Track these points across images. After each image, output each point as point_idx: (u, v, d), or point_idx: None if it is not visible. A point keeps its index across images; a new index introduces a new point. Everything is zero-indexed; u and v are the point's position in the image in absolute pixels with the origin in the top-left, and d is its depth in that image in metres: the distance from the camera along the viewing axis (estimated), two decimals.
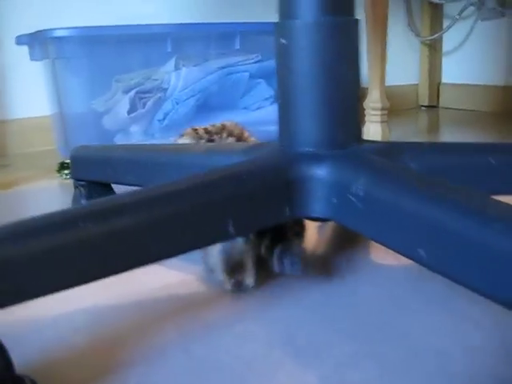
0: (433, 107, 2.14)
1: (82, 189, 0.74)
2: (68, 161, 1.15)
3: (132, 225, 0.41)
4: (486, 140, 1.43)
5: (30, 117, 1.53)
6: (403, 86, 2.18)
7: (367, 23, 1.27)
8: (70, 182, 1.13)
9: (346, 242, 0.70)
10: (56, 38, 1.16)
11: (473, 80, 2.03)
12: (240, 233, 0.47)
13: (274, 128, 1.24)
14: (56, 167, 1.14)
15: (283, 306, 0.53)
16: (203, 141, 0.89)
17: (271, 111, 1.39)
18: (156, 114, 1.27)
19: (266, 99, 1.39)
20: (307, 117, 0.53)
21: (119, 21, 1.53)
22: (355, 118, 0.55)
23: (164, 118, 1.26)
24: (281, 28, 0.53)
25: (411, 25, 2.13)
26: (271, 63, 1.34)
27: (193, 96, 1.28)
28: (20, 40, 1.32)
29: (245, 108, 1.39)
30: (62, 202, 0.99)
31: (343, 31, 0.53)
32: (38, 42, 1.24)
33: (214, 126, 0.94)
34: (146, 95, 1.25)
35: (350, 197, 0.48)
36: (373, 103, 1.30)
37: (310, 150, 0.53)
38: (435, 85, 2.13)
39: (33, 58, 1.33)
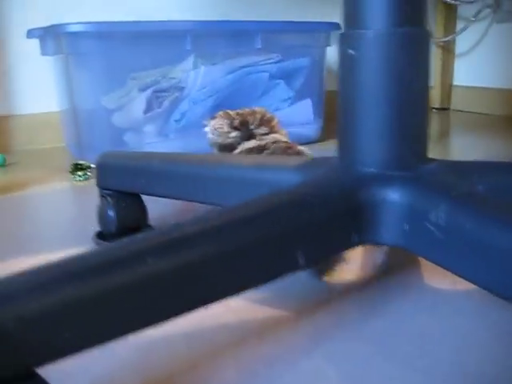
0: (444, 109, 2.10)
1: (109, 198, 0.69)
2: (82, 162, 1.10)
3: (200, 259, 0.36)
4: (499, 145, 1.40)
5: (37, 112, 1.47)
6: None
7: None
8: (84, 184, 1.09)
9: (395, 265, 0.66)
10: (71, 32, 1.11)
11: (486, 83, 2.00)
12: (309, 263, 0.43)
13: (292, 130, 1.20)
14: (69, 168, 1.09)
15: (345, 338, 0.49)
16: (236, 121, 0.85)
17: (290, 113, 1.35)
18: (172, 113, 1.22)
19: (285, 100, 1.35)
20: (374, 134, 0.49)
21: (133, 16, 1.47)
22: (424, 135, 0.51)
23: (181, 119, 1.22)
24: (348, 38, 0.49)
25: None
26: (291, 63, 1.30)
27: (211, 96, 1.23)
28: (32, 33, 1.26)
29: None
30: (78, 206, 0.94)
31: (416, 43, 0.48)
32: (52, 36, 1.19)
33: (243, 110, 0.90)
34: (163, 94, 1.20)
35: (428, 225, 0.44)
36: None
37: (376, 170, 0.49)
38: (447, 87, 2.09)
39: (44, 52, 1.27)
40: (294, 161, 0.56)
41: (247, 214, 0.41)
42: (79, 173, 1.08)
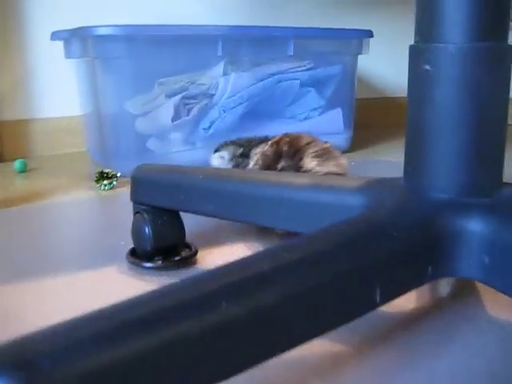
0: None
1: (144, 214, 0.65)
2: (107, 170, 1.06)
3: (275, 303, 0.32)
4: None
5: (58, 116, 1.44)
6: None
7: None
8: (110, 194, 1.05)
9: (454, 293, 0.61)
10: (99, 36, 1.07)
11: None
12: (384, 301, 0.39)
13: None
14: (94, 176, 1.05)
15: (410, 378, 0.45)
16: (284, 147, 0.76)
17: (320, 122, 1.31)
18: (200, 121, 1.18)
19: (315, 109, 1.30)
20: (449, 156, 0.44)
21: (161, 22, 1.44)
22: (501, 157, 0.47)
23: (210, 127, 1.18)
24: (423, 52, 0.44)
25: None
26: (323, 71, 1.26)
27: (241, 104, 1.19)
28: (56, 36, 1.23)
29: (291, 117, 1.30)
30: (106, 218, 0.90)
31: (499, 59, 0.44)
32: (78, 39, 1.15)
33: (284, 136, 0.82)
34: (191, 101, 1.16)
35: (511, 258, 0.40)
36: None
37: (451, 196, 0.45)
38: None
39: (69, 55, 1.24)
40: (354, 182, 0.51)
41: (322, 248, 0.37)
42: (105, 182, 1.04)
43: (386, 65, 1.86)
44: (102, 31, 1.06)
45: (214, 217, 0.60)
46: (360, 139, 1.47)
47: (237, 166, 0.89)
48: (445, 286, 0.53)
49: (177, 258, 0.66)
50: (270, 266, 0.34)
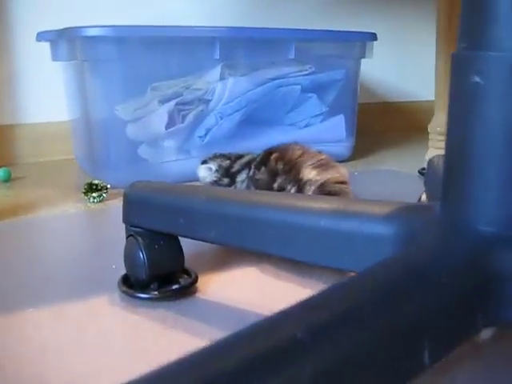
0: None
1: (139, 238, 0.58)
2: (96, 181, 0.99)
3: (311, 375, 0.25)
4: None
5: (44, 122, 1.36)
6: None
7: (439, 32, 1.13)
8: (99, 207, 0.97)
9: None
10: (88, 37, 1.00)
11: None
12: (434, 361, 0.32)
13: (323, 148, 1.10)
14: (83, 188, 0.98)
15: None
16: (279, 165, 0.73)
17: (321, 130, 1.24)
18: (195, 129, 1.11)
19: (317, 116, 1.24)
20: (500, 184, 0.38)
21: (154, 23, 1.37)
22: None
23: (206, 134, 1.11)
24: (474, 61, 0.38)
25: None
26: (325, 76, 1.20)
27: (238, 110, 1.12)
28: (42, 36, 1.16)
29: (291, 124, 1.24)
30: (95, 236, 0.83)
31: None
32: (65, 40, 1.08)
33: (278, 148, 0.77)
34: (186, 107, 1.09)
35: None
36: (440, 127, 1.15)
37: (500, 230, 0.38)
38: None
39: (56, 57, 1.16)
40: (382, 208, 0.45)
41: (357, 303, 0.30)
42: (94, 194, 0.96)
43: (385, 68, 1.81)
44: (91, 32, 0.99)
45: (219, 244, 0.54)
46: (361, 146, 1.41)
47: (221, 178, 0.86)
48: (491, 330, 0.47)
49: (175, 287, 0.59)
50: (302, 329, 0.27)
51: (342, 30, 1.29)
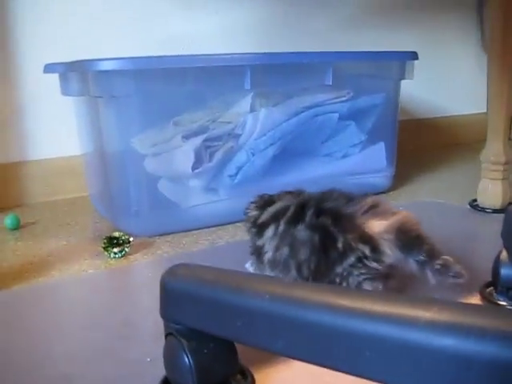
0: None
1: (182, 340, 0.46)
2: (117, 234, 0.87)
3: None
4: None
5: (55, 157, 1.25)
6: (470, 115, 1.91)
7: (492, 53, 1.01)
8: (120, 263, 0.85)
9: None
10: (102, 71, 0.88)
11: None
12: None
13: (363, 180, 0.98)
14: (102, 243, 0.86)
15: None
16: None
17: (361, 160, 1.12)
18: (224, 166, 0.99)
19: (355, 145, 1.12)
20: None
21: (166, 48, 1.26)
22: None
23: (236, 173, 0.99)
24: None
25: (483, 42, 1.87)
26: (364, 101, 1.08)
27: (272, 144, 1.00)
28: (50, 68, 1.05)
29: (327, 155, 1.12)
30: (120, 306, 0.71)
31: None
32: (76, 74, 0.97)
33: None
34: (214, 144, 0.97)
35: None
36: (494, 156, 1.03)
37: None
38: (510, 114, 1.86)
39: (65, 92, 1.05)
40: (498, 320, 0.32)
41: None
42: (115, 250, 0.85)
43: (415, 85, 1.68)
44: (105, 66, 0.88)
45: (290, 358, 0.41)
46: (400, 176, 1.29)
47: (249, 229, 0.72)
48: None
49: None
50: None
51: (372, 48, 1.18)
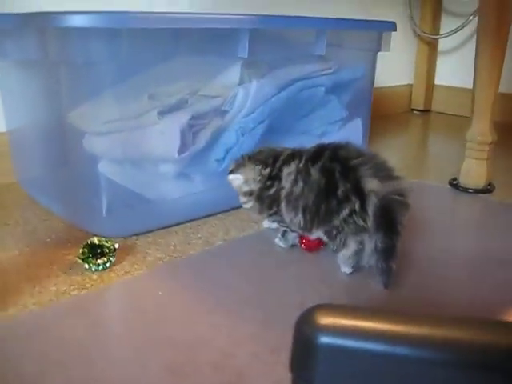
0: (427, 111, 1.91)
1: None
2: (98, 240, 0.69)
3: None
4: None
5: None
6: (395, 87, 1.91)
7: (482, 29, 0.96)
8: (110, 279, 0.67)
9: None
10: (65, 29, 0.67)
11: (468, 84, 1.83)
12: None
13: None
14: (80, 253, 0.67)
15: None
16: None
17: (339, 138, 1.02)
18: (208, 148, 0.83)
19: (335, 122, 1.02)
20: None
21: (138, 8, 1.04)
22: None
23: (224, 157, 0.84)
24: None
25: (413, 19, 1.85)
26: (346, 74, 0.98)
27: (261, 122, 0.86)
28: None
29: (303, 133, 1.00)
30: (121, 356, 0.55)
31: None
32: (27, 30, 0.73)
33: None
34: (199, 122, 0.81)
35: None
36: (481, 136, 1.00)
37: None
38: (431, 87, 1.90)
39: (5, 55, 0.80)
40: None
41: None
42: (99, 261, 0.66)
43: None
44: (71, 21, 0.66)
45: None
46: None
47: (264, 188, 0.72)
48: None
49: None
50: None
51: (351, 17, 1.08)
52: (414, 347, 0.32)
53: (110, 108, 0.76)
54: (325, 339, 0.35)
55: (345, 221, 0.64)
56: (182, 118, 0.78)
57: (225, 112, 0.83)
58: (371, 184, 0.64)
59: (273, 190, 0.71)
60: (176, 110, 0.80)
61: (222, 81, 0.83)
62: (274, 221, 0.75)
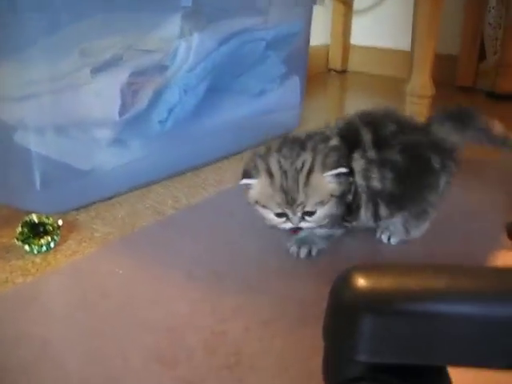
0: (344, 72, 1.91)
1: None
2: (36, 218, 0.60)
3: None
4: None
5: None
6: (312, 47, 1.88)
7: None
8: (56, 260, 0.58)
9: None
10: None
11: (384, 43, 1.85)
12: None
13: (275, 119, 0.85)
14: (18, 233, 0.58)
15: None
16: None
17: (278, 97, 0.98)
18: (152, 110, 0.75)
19: (274, 80, 0.97)
20: None
21: None
22: None
23: (167, 118, 0.76)
24: None
25: None
26: (284, 29, 0.94)
27: (204, 79, 0.79)
28: None
29: (241, 91, 0.94)
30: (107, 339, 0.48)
31: None
32: None
33: None
34: (138, 79, 0.72)
35: None
36: (421, 89, 1.00)
37: None
38: (348, 47, 1.89)
39: None
40: None
41: None
42: (42, 241, 0.58)
43: None
44: None
45: None
46: (307, 113, 1.18)
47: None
48: None
49: None
50: None
51: None
52: (482, 304, 0.29)
53: (34, 66, 0.66)
54: (368, 303, 0.31)
55: (442, 192, 0.62)
56: (120, 75, 0.69)
57: (165, 67, 0.75)
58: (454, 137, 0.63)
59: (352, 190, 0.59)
60: (111, 67, 0.71)
61: (160, 34, 0.75)
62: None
